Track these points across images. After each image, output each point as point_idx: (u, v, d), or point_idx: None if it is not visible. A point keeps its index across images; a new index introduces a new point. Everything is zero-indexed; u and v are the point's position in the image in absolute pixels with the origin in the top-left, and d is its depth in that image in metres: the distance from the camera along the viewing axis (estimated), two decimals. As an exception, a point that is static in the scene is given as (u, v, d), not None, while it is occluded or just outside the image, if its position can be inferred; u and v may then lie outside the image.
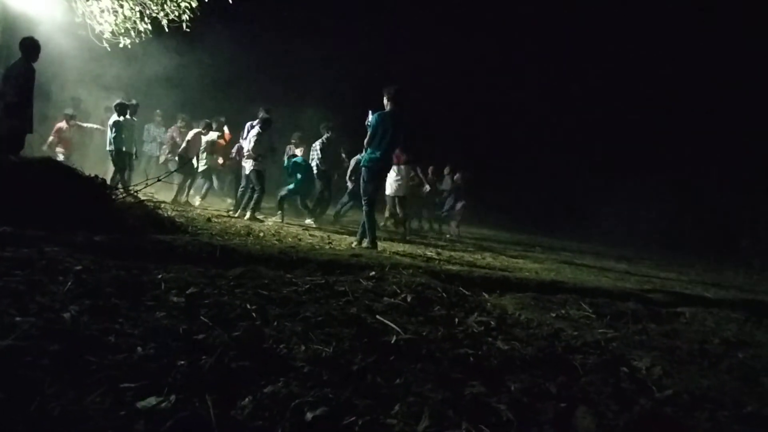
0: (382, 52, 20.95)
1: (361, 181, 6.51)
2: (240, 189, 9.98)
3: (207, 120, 10.76)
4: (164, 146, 12.13)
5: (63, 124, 11.24)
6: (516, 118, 23.65)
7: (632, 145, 21.94)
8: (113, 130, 9.46)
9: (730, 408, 1.85)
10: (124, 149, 9.68)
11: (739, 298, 5.16)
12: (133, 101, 10.52)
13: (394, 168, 9.51)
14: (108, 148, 9.63)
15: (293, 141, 10.92)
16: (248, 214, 8.67)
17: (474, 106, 23.45)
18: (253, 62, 18.08)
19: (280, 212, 9.42)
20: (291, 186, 9.64)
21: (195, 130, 10.68)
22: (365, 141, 6.42)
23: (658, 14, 22.65)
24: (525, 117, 23.68)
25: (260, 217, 8.94)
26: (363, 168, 6.51)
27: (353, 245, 6.30)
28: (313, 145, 10.13)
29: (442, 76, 22.65)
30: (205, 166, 10.62)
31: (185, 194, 10.50)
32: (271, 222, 8.54)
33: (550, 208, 21.45)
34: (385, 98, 6.43)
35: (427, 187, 11.01)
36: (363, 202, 6.50)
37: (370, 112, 6.45)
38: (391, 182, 9.62)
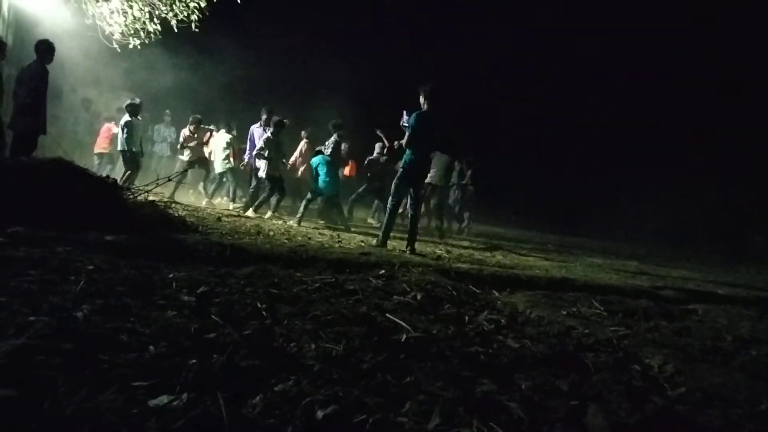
0: (391, 51, 20.96)
1: (396, 180, 6.38)
2: (251, 189, 10.04)
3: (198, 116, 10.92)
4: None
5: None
6: (526, 114, 23.55)
7: (642, 142, 21.76)
8: (125, 130, 9.50)
9: (743, 406, 1.84)
10: (134, 149, 9.75)
11: (752, 295, 5.11)
12: (137, 100, 10.59)
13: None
14: (119, 149, 9.67)
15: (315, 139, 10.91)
16: (269, 214, 8.90)
17: (482, 103, 23.36)
18: (263, 63, 18.13)
19: (299, 214, 9.38)
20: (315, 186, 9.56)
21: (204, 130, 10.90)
22: (404, 142, 6.30)
23: (670, 10, 22.44)
24: (535, 113, 23.58)
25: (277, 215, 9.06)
26: (401, 168, 6.39)
27: (406, 251, 6.11)
28: (326, 144, 10.11)
29: (452, 72, 22.59)
30: (225, 168, 10.68)
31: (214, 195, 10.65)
32: (291, 223, 8.53)
33: (560, 206, 21.33)
34: (421, 97, 6.28)
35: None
36: (389, 202, 6.39)
37: (404, 112, 6.36)
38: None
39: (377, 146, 10.71)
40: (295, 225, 8.34)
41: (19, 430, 1.11)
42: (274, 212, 9.11)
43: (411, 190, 6.47)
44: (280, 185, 9.21)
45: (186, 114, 11.91)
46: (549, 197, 21.70)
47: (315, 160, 9.55)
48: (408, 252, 5.96)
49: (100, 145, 11.98)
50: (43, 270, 2.35)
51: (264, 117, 9.81)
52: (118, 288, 2.28)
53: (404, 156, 6.38)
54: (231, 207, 10.26)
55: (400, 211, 10.54)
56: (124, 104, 9.81)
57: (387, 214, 6.39)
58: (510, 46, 23.21)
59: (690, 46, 21.64)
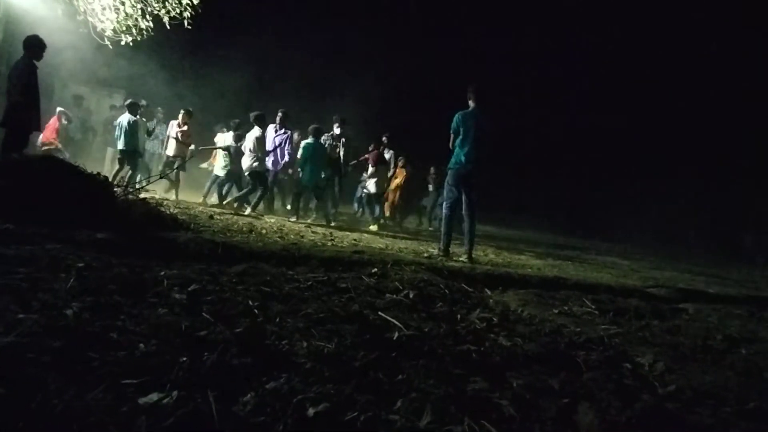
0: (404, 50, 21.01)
1: (446, 184, 6.30)
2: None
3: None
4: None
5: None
6: (523, 116, 23.58)
7: (634, 143, 21.84)
8: (128, 129, 9.45)
9: (733, 404, 1.85)
10: (139, 149, 9.79)
11: (742, 294, 5.15)
12: (143, 102, 10.60)
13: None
14: (121, 147, 9.56)
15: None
16: (248, 210, 8.85)
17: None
18: (264, 62, 18.05)
19: (294, 212, 9.40)
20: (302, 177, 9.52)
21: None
22: (450, 143, 6.22)
23: (670, 16, 22.51)
24: (531, 116, 23.59)
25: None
26: (449, 171, 6.27)
27: (462, 258, 5.92)
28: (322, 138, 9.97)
29: (456, 73, 22.59)
30: (227, 169, 10.62)
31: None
32: (290, 222, 8.55)
33: (553, 206, 21.40)
34: (468, 97, 6.21)
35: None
36: (444, 207, 6.31)
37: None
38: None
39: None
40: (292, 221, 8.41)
41: (7, 428, 1.10)
42: (254, 210, 9.09)
43: (464, 193, 6.22)
44: (264, 182, 9.28)
45: (178, 111, 11.86)
46: (543, 197, 21.76)
47: (303, 152, 9.45)
48: (466, 259, 5.87)
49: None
50: (33, 267, 2.34)
51: (279, 117, 9.71)
52: (108, 286, 2.26)
53: (452, 158, 6.22)
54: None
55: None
56: (126, 102, 9.78)
57: (443, 220, 6.24)
58: (520, 49, 23.28)
59: (689, 46, 21.75)
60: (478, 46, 23.57)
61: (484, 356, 2.08)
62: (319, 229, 7.74)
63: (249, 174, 9.26)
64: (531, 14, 24.10)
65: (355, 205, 11.29)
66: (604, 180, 20.95)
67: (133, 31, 9.94)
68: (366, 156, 10.57)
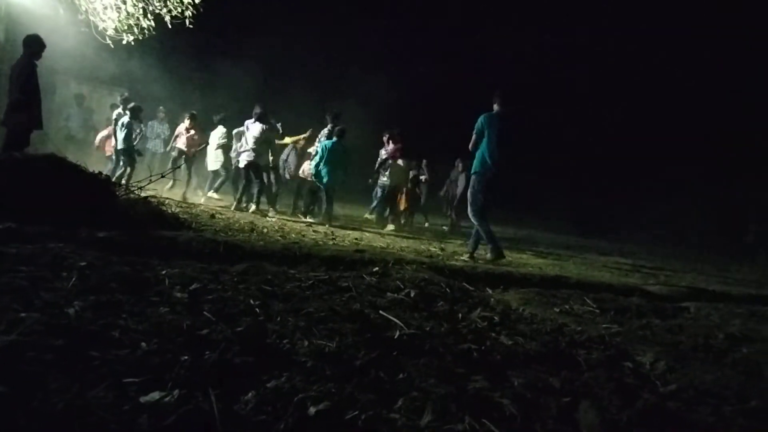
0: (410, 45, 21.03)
1: (470, 189, 6.05)
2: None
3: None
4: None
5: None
6: (524, 116, 23.52)
7: (635, 141, 21.81)
8: (124, 129, 9.55)
9: (734, 403, 1.85)
10: (137, 148, 9.95)
11: (743, 292, 5.14)
12: (125, 93, 10.74)
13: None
14: (120, 147, 9.67)
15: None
16: (253, 207, 8.89)
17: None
18: (263, 60, 18.05)
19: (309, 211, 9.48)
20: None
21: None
22: (470, 145, 6.05)
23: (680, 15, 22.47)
24: (532, 115, 23.57)
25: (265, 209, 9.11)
26: (473, 175, 6.06)
27: (464, 257, 5.89)
28: (321, 132, 9.76)
29: (459, 73, 22.55)
30: (219, 162, 10.67)
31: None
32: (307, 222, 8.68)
33: (554, 205, 21.35)
34: (494, 101, 6.13)
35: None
36: (471, 213, 6.05)
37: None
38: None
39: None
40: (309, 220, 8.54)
41: (8, 426, 1.10)
42: (257, 206, 9.17)
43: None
44: (261, 175, 9.33)
45: (179, 110, 11.90)
46: (544, 196, 21.72)
47: (320, 152, 9.39)
48: (468, 258, 5.89)
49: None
50: (34, 266, 2.34)
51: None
52: (110, 284, 2.26)
53: (476, 162, 6.03)
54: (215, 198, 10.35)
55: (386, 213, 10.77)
56: (130, 106, 9.85)
57: (481, 228, 5.98)
58: (521, 49, 23.26)
59: (689, 45, 21.73)
60: (477, 46, 23.59)
61: (485, 355, 2.08)
62: (320, 228, 7.74)
63: (246, 167, 9.31)
64: (529, 14, 24.11)
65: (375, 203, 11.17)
66: (606, 178, 20.91)
67: (135, 30, 9.94)
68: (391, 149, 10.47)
